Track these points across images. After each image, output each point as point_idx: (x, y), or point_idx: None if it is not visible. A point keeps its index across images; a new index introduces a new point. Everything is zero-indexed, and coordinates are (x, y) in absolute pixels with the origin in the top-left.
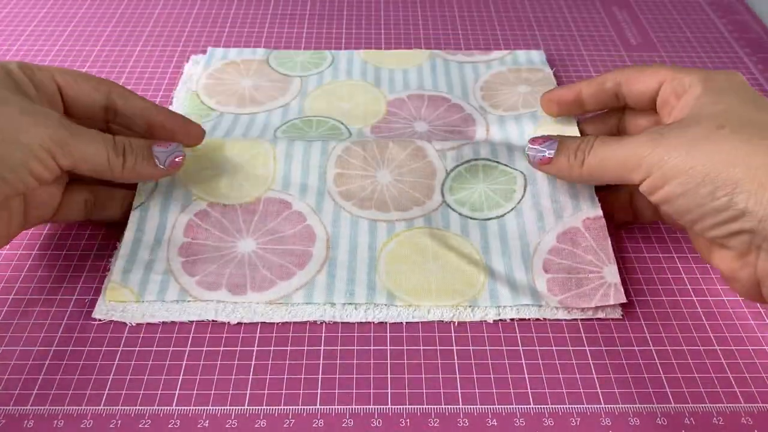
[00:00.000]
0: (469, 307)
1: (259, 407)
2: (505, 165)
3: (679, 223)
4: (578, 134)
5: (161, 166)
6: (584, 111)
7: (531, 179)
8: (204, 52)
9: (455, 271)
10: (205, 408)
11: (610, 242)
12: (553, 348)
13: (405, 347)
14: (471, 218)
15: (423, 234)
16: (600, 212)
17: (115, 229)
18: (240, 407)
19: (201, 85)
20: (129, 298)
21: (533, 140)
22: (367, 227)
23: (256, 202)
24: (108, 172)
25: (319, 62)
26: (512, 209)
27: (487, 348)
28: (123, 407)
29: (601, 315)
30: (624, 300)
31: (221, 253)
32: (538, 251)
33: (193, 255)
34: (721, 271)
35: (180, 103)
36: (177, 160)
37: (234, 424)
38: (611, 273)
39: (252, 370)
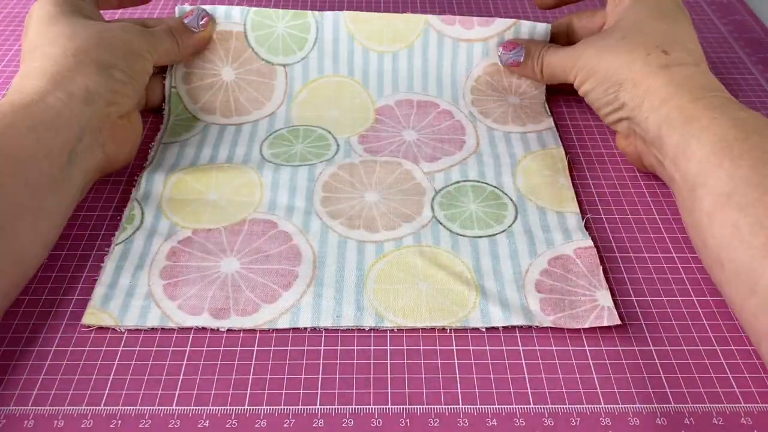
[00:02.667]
0: (461, 327)
1: (259, 407)
2: (495, 187)
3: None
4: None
5: (197, 30)
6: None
7: (521, 209)
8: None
9: (446, 291)
10: (205, 408)
11: (601, 270)
12: (553, 348)
13: (405, 347)
14: (461, 235)
15: (412, 253)
16: (591, 243)
17: (117, 228)
18: (240, 407)
19: (179, 76)
20: (108, 323)
21: (504, 45)
22: (356, 247)
23: (241, 223)
24: (176, 57)
25: (302, 36)
26: (503, 231)
27: (487, 348)
28: (123, 407)
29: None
30: (618, 322)
31: (203, 273)
32: (530, 272)
33: (174, 277)
34: (619, 149)
35: (166, 101)
36: (204, 20)
37: (234, 424)
38: (604, 297)
39: (252, 370)
